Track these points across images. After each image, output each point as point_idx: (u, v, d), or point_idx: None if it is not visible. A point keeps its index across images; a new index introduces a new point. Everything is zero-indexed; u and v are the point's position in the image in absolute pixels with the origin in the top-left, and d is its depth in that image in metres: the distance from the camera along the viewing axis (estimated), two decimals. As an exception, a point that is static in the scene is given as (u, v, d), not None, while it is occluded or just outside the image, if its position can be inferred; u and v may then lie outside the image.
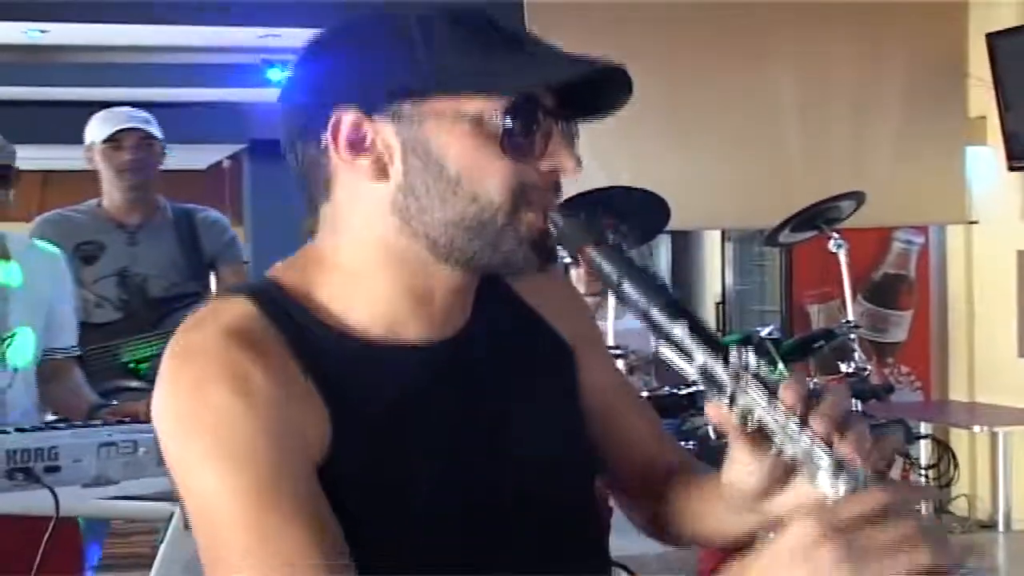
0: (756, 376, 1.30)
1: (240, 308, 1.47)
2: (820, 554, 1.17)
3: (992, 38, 7.39)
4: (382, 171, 1.46)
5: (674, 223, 6.79)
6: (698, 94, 7.65)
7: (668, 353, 1.36)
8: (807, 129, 7.51)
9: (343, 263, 1.53)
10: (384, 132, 1.45)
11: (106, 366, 4.07)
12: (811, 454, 1.27)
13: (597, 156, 7.21)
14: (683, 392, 5.50)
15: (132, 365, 4.36)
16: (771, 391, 1.29)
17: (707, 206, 6.95)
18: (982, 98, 7.61)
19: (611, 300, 5.62)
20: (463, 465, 1.52)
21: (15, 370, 3.47)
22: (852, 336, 5.67)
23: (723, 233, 8.54)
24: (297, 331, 1.49)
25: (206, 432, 1.41)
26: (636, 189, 5.51)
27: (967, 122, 7.72)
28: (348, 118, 1.44)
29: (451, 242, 1.46)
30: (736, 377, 1.30)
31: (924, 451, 7.71)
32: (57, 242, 4.15)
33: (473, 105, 1.42)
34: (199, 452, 1.42)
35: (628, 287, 1.38)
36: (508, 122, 1.42)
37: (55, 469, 2.80)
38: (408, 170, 1.45)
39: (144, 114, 4.82)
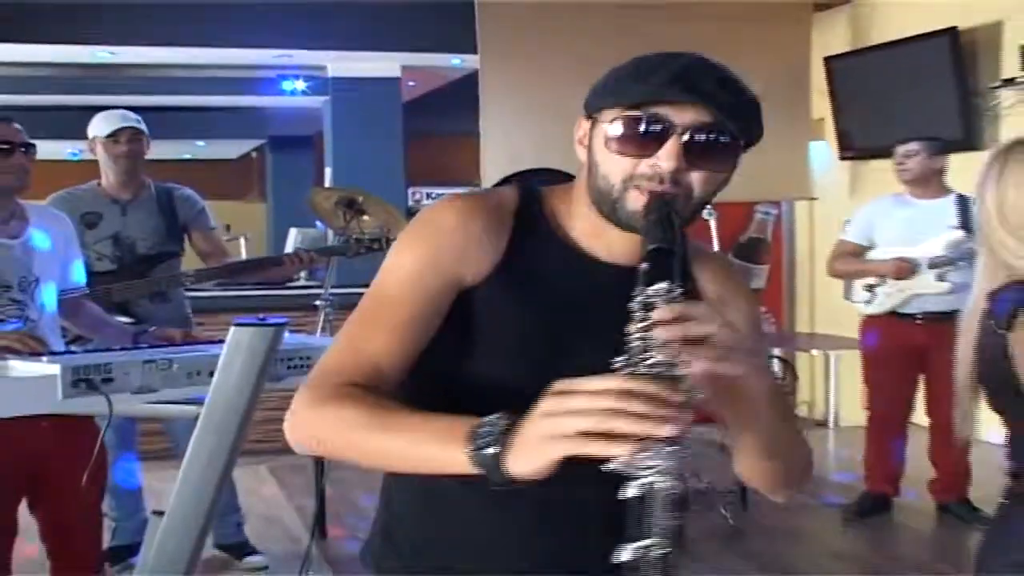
0: (649, 297, 1.27)
1: (510, 191, 1.60)
2: (541, 406, 1.21)
3: (828, 60, 7.46)
4: (585, 152, 1.52)
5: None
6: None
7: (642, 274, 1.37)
8: None
9: (576, 194, 1.56)
10: (587, 128, 1.51)
11: (103, 305, 4.09)
12: (633, 350, 1.26)
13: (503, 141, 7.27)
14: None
15: (122, 304, 4.39)
16: (646, 308, 1.27)
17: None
18: (821, 105, 7.56)
19: None
20: (553, 340, 1.53)
21: (43, 307, 3.44)
22: None
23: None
24: (528, 213, 1.57)
25: (415, 239, 1.54)
26: (546, 169, 5.25)
27: (810, 123, 7.60)
28: (581, 120, 1.52)
29: (597, 203, 1.50)
30: (639, 296, 1.29)
31: (776, 368, 7.77)
32: (67, 212, 4.15)
33: (608, 115, 1.44)
34: (401, 246, 1.56)
35: (650, 227, 1.38)
36: (613, 128, 1.43)
37: (109, 380, 2.78)
38: (589, 154, 1.50)
39: (134, 115, 4.74)
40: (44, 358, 2.98)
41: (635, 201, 1.43)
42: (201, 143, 12.21)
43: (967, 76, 6.54)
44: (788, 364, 7.85)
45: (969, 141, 6.50)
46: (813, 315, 8.19)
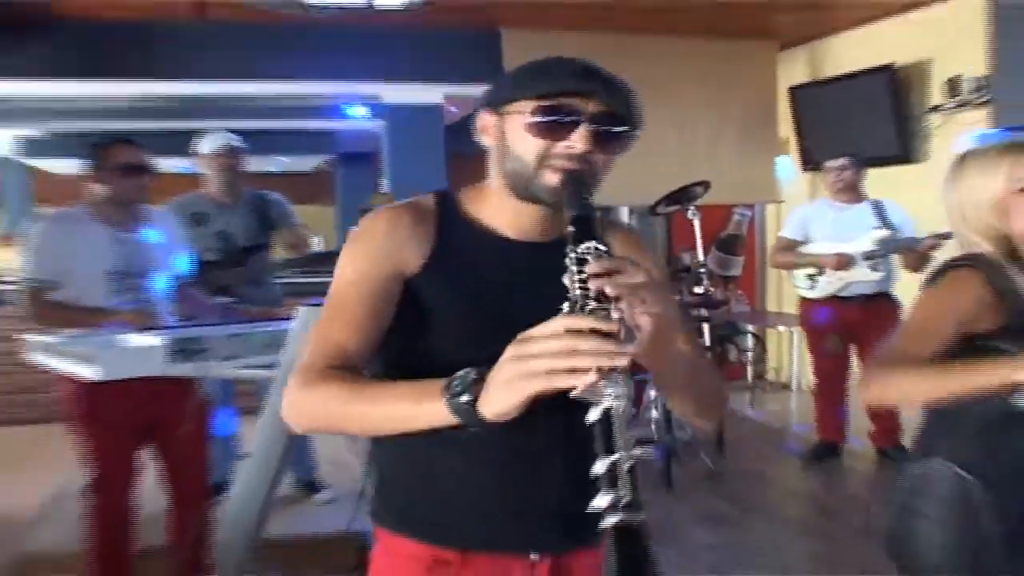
0: (581, 253, 1.28)
1: (428, 196, 1.60)
2: (507, 352, 1.20)
3: (791, 90, 7.39)
4: (493, 143, 1.52)
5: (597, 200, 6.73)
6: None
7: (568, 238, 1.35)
8: (680, 140, 7.30)
9: (487, 189, 1.56)
10: (492, 121, 1.51)
11: (210, 289, 4.18)
12: (575, 298, 1.24)
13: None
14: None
15: (225, 287, 4.46)
16: (581, 262, 1.27)
17: (616, 190, 6.46)
18: (786, 126, 7.53)
19: None
20: (496, 310, 1.48)
21: (155, 290, 3.51)
22: (701, 270, 5.58)
23: (630, 209, 8.36)
24: (447, 210, 1.56)
25: (359, 241, 1.53)
26: None
27: (778, 140, 7.64)
28: (483, 113, 1.53)
29: (511, 184, 1.49)
30: (571, 254, 1.29)
31: (749, 341, 7.76)
32: (180, 214, 4.31)
33: (523, 106, 1.43)
34: (348, 249, 1.54)
35: (567, 198, 1.39)
36: (531, 117, 1.42)
37: (203, 351, 2.84)
38: (499, 143, 1.50)
39: (234, 136, 4.84)
40: (153, 332, 3.04)
41: (550, 178, 1.43)
42: (284, 159, 12.18)
43: (903, 103, 6.51)
44: (759, 338, 7.87)
45: (905, 156, 6.54)
46: (780, 297, 8.14)
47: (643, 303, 1.25)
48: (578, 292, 1.24)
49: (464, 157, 8.57)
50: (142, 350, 2.88)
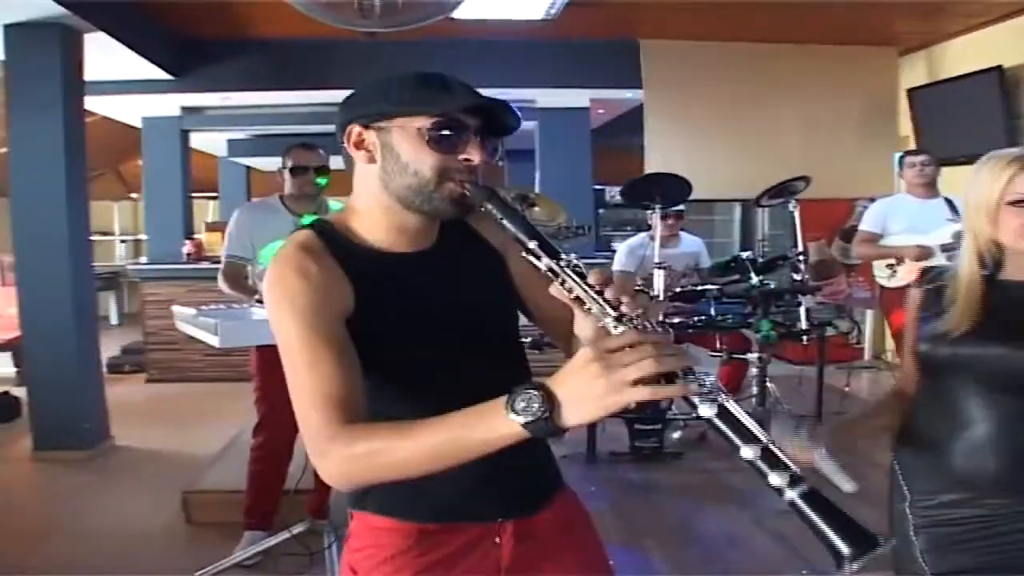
0: (572, 267, 1.34)
1: (306, 234, 1.54)
2: (588, 367, 1.20)
3: (910, 91, 7.86)
4: (371, 159, 1.54)
5: (706, 194, 7.41)
6: (730, 113, 8.07)
7: (528, 258, 1.38)
8: (805, 139, 7.88)
9: (361, 210, 1.58)
10: (371, 137, 1.53)
11: None
12: (603, 310, 1.30)
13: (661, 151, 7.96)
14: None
15: None
16: (581, 276, 1.33)
17: (746, 184, 6.77)
18: (906, 124, 8.00)
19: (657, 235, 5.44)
20: (430, 314, 1.54)
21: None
22: (800, 257, 5.49)
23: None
24: (337, 245, 1.54)
25: (284, 301, 1.45)
26: (670, 174, 5.59)
27: (897, 138, 8.10)
28: (354, 129, 1.54)
29: (406, 199, 1.52)
30: (562, 269, 1.34)
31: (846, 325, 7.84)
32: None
33: (415, 122, 1.48)
34: (281, 313, 1.46)
35: (507, 223, 1.42)
36: (430, 131, 1.47)
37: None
38: (383, 158, 1.52)
39: None
40: None
41: (450, 190, 1.48)
42: None
43: (1011, 102, 6.89)
44: (855, 321, 8.02)
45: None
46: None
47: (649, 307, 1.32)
48: (599, 303, 1.30)
49: (610, 152, 9.29)
50: (262, 322, 3.10)
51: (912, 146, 7.85)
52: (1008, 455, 1.86)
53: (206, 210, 14.57)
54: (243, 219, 4.13)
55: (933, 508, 1.95)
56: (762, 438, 1.20)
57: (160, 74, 7.51)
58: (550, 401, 1.21)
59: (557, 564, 1.67)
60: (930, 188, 5.55)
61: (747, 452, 1.20)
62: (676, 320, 5.22)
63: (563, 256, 1.35)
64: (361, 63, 7.63)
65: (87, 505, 4.95)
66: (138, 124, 9.00)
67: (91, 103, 7.99)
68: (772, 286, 5.20)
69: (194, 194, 9.47)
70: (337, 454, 1.36)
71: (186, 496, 4.62)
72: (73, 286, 5.84)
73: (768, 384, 5.60)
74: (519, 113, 1.54)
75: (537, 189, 9.00)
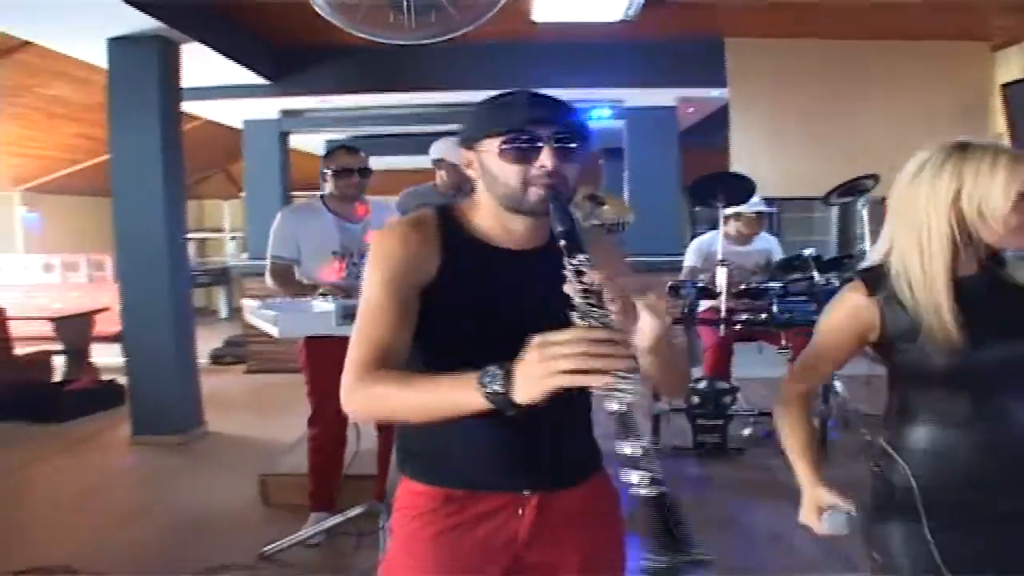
0: (576, 265, 1.48)
1: (426, 212, 1.77)
2: (532, 355, 1.38)
3: (1004, 86, 7.75)
4: (479, 175, 1.73)
5: (793, 192, 7.42)
6: (817, 111, 8.03)
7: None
8: (895, 135, 7.41)
9: (480, 205, 1.75)
10: (471, 156, 1.74)
11: None
12: (581, 307, 1.44)
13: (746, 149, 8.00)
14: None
15: None
16: (580, 274, 1.46)
17: (818, 182, 6.39)
18: (1000, 121, 7.88)
19: (720, 233, 5.62)
20: (494, 307, 1.67)
21: None
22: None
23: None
24: (449, 227, 1.74)
25: (377, 259, 1.70)
26: (734, 173, 5.81)
27: (993, 135, 7.82)
28: (465, 152, 1.74)
29: (502, 202, 1.69)
30: (570, 267, 1.48)
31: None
32: (411, 201, 4.75)
33: (495, 141, 1.65)
34: (371, 267, 1.71)
35: (555, 223, 1.57)
36: (503, 147, 1.63)
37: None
38: (484, 173, 1.71)
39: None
40: (329, 298, 3.62)
41: (535, 194, 1.63)
42: None
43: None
44: None
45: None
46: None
47: (653, 308, 1.48)
48: (581, 300, 1.44)
49: (700, 151, 9.37)
50: (320, 314, 3.38)
51: (1005, 143, 7.78)
52: (1008, 450, 1.86)
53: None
54: (287, 221, 4.33)
55: (957, 529, 1.88)
56: (645, 443, 1.37)
57: (259, 79, 7.93)
58: (508, 380, 1.39)
59: (573, 545, 1.79)
60: None
61: (625, 448, 1.37)
62: (743, 316, 5.34)
63: (580, 256, 1.48)
64: (451, 66, 7.91)
65: (175, 486, 5.35)
66: (240, 126, 9.47)
67: (196, 107, 8.51)
68: (837, 284, 5.25)
69: (295, 193, 9.89)
70: (358, 391, 1.61)
71: (263, 479, 4.95)
72: (170, 282, 6.25)
73: (835, 383, 5.67)
74: (582, 116, 1.68)
75: (626, 187, 9.20)
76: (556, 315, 1.51)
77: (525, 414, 1.44)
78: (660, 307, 1.51)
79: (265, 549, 4.09)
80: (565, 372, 1.34)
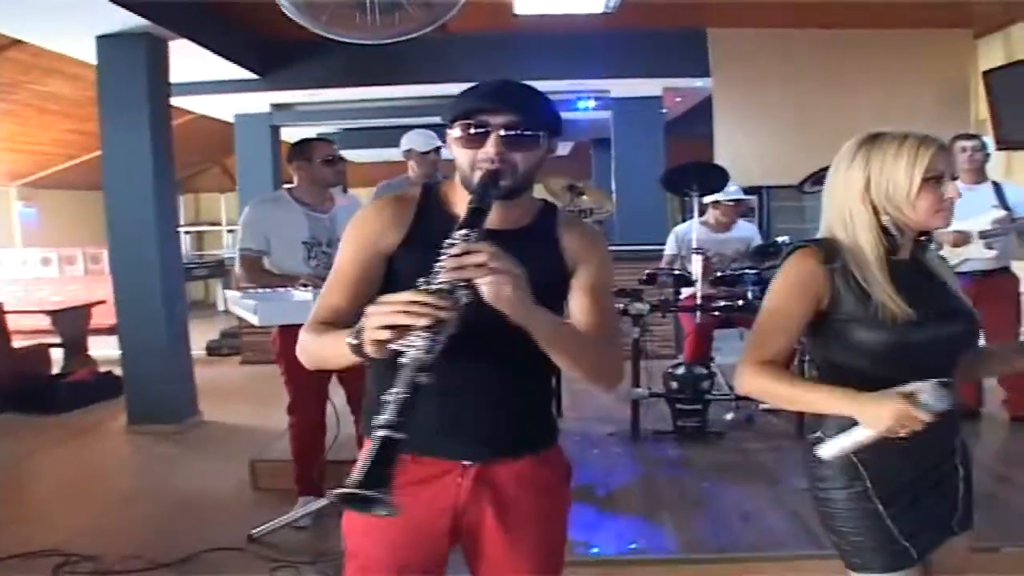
0: (453, 239, 1.59)
1: (414, 191, 1.92)
2: (368, 311, 1.57)
3: (986, 73, 7.80)
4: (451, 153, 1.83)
5: (776, 181, 7.49)
6: (800, 100, 8.17)
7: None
8: (877, 123, 7.84)
9: (455, 188, 1.86)
10: (448, 138, 1.82)
11: None
12: (433, 271, 1.56)
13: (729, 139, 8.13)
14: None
15: None
16: (451, 245, 1.58)
17: (801, 171, 6.27)
18: (983, 107, 7.95)
19: (696, 222, 5.70)
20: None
21: None
22: None
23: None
24: (428, 203, 1.88)
25: (352, 226, 1.90)
26: (709, 163, 5.97)
27: (976, 121, 8.09)
28: (447, 132, 1.82)
29: (464, 184, 1.78)
30: (451, 242, 1.59)
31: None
32: (385, 192, 4.72)
33: (455, 126, 1.76)
34: (346, 235, 1.89)
35: (474, 193, 1.69)
36: (457, 133, 1.75)
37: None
38: (453, 152, 1.80)
39: (433, 134, 5.03)
40: (310, 287, 3.78)
41: (479, 177, 1.72)
42: None
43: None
44: None
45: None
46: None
47: (484, 277, 1.55)
48: (439, 268, 1.56)
49: (686, 141, 9.49)
50: (299, 303, 3.50)
51: (990, 129, 7.85)
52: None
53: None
54: (255, 213, 4.43)
55: (892, 482, 2.01)
56: (402, 395, 1.49)
57: (248, 74, 8.06)
58: (361, 333, 1.58)
59: (506, 514, 1.89)
60: (978, 174, 5.51)
61: (387, 395, 1.51)
62: (720, 303, 5.47)
63: (465, 231, 1.59)
64: (438, 59, 8.03)
65: (169, 472, 5.50)
66: (232, 120, 9.60)
67: (187, 103, 8.65)
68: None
69: (287, 185, 10.01)
70: (303, 338, 1.84)
71: (253, 465, 5.09)
72: (162, 274, 6.39)
73: (806, 364, 5.78)
74: (547, 108, 1.79)
75: (613, 177, 9.32)
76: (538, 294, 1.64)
77: (465, 386, 1.64)
78: (493, 293, 1.57)
79: (254, 531, 4.23)
80: (379, 327, 1.52)
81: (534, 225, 1.87)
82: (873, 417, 1.84)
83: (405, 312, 1.50)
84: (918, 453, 1.99)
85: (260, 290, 3.99)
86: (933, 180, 1.93)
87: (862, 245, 1.97)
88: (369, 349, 1.56)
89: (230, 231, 15.73)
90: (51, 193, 12.17)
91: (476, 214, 1.63)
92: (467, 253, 1.55)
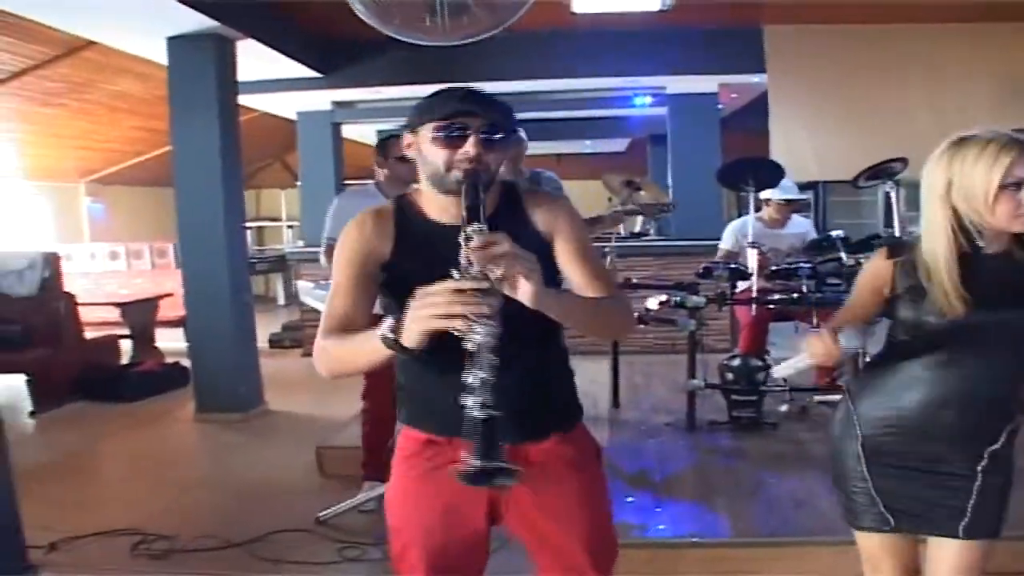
0: (468, 233, 1.69)
1: (388, 205, 2.05)
2: (412, 304, 1.67)
3: None
4: (415, 156, 1.96)
5: (831, 176, 7.49)
6: (856, 96, 8.16)
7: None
8: (932, 118, 7.73)
9: (422, 190, 2.00)
10: (414, 140, 1.95)
11: None
12: (463, 263, 1.66)
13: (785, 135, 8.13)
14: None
15: None
16: (468, 240, 1.67)
17: (857, 166, 6.08)
18: None
19: (751, 217, 5.70)
20: (447, 274, 1.72)
21: None
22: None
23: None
24: (403, 213, 2.01)
25: (342, 244, 2.00)
26: (764, 159, 6.01)
27: None
28: (406, 135, 1.97)
29: (433, 184, 1.92)
30: (465, 234, 1.69)
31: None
32: None
33: (429, 127, 1.88)
34: (337, 254, 2.00)
35: (465, 190, 1.80)
36: (434, 134, 1.86)
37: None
38: (420, 155, 1.93)
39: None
40: None
41: (457, 174, 1.84)
42: (589, 142, 13.27)
43: None
44: None
45: None
46: None
47: (509, 267, 1.66)
48: (465, 261, 1.66)
49: (742, 135, 9.54)
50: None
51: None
52: (967, 407, 2.12)
53: (360, 197, 15.47)
54: (344, 205, 4.59)
55: (885, 449, 2.23)
56: (484, 376, 1.62)
57: (311, 72, 8.26)
58: (398, 327, 1.68)
59: (544, 491, 2.00)
60: None
61: (470, 377, 1.63)
62: (776, 296, 5.54)
63: (475, 225, 1.69)
64: (497, 57, 8.08)
65: (237, 459, 5.71)
66: (294, 118, 9.82)
67: (251, 101, 8.86)
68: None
69: (348, 181, 10.22)
70: (318, 351, 1.92)
71: (319, 451, 5.29)
72: (230, 268, 6.61)
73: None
74: (509, 113, 1.92)
75: (670, 173, 9.39)
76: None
77: (495, 372, 1.66)
78: (521, 283, 1.68)
79: (321, 514, 4.41)
80: (433, 317, 1.61)
81: (502, 208, 1.98)
82: (808, 345, 2.18)
83: (459, 302, 1.61)
84: (921, 444, 2.19)
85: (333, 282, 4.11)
86: (1012, 186, 2.00)
87: (935, 244, 2.10)
88: (413, 339, 1.67)
89: (290, 227, 16.01)
90: (118, 189, 12.50)
91: (475, 210, 1.75)
92: (489, 244, 1.66)
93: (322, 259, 4.54)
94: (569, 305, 1.89)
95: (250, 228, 15.49)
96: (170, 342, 9.00)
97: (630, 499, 4.19)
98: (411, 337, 1.67)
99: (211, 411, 6.63)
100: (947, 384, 2.13)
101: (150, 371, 7.91)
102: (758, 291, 5.53)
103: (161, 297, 9.08)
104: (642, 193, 5.82)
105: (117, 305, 8.69)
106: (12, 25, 6.63)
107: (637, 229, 10.13)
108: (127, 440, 6.36)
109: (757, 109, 9.33)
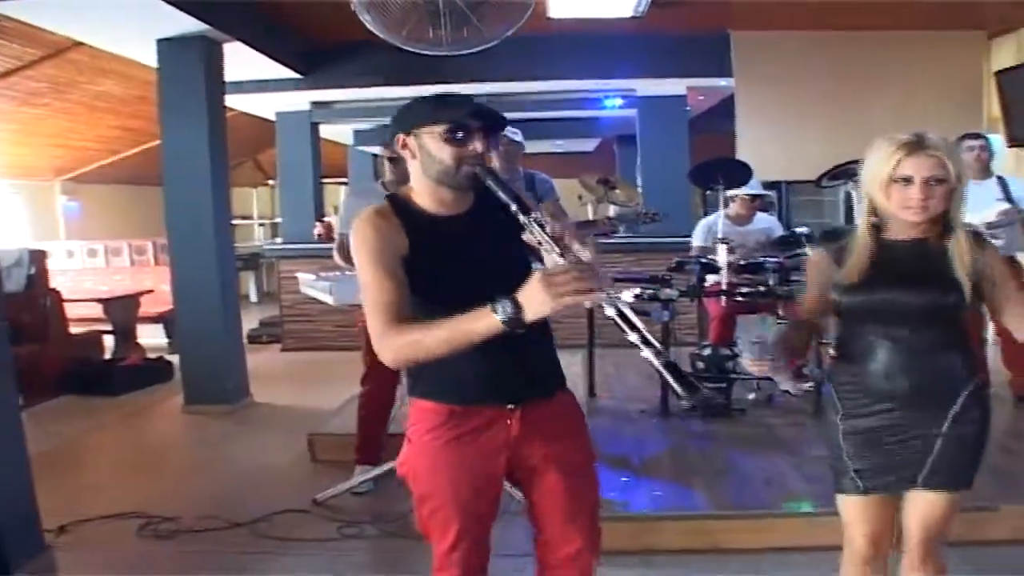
0: (537, 221, 1.92)
1: (384, 203, 2.16)
2: (537, 284, 1.78)
3: (998, 73, 8.10)
4: (413, 156, 2.11)
5: (795, 176, 7.75)
6: (819, 100, 8.45)
7: (514, 213, 1.96)
8: (895, 122, 8.00)
9: (416, 188, 2.15)
10: (411, 141, 2.10)
11: None
12: (551, 249, 1.88)
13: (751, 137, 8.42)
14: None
15: None
16: (542, 226, 1.90)
17: (819, 168, 6.28)
18: (995, 106, 8.24)
19: (721, 214, 6.03)
20: (458, 256, 2.07)
21: None
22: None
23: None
24: (401, 210, 2.13)
25: (361, 244, 2.07)
26: (733, 159, 6.31)
27: (981, 119, 8.34)
28: (400, 137, 2.11)
29: (439, 180, 2.08)
30: (531, 222, 1.92)
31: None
32: None
33: (436, 128, 2.04)
34: (359, 252, 2.08)
35: (500, 193, 2.00)
36: (446, 133, 2.03)
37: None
38: (421, 154, 2.09)
39: (514, 129, 5.20)
40: None
41: (466, 171, 2.04)
42: (560, 141, 13.36)
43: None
44: None
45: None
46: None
47: (582, 245, 1.91)
48: (550, 245, 1.88)
49: (709, 137, 9.83)
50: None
51: (1001, 127, 8.14)
52: (914, 375, 2.36)
53: (336, 194, 15.57)
54: (352, 201, 4.86)
55: (858, 418, 2.45)
56: (642, 330, 1.81)
57: (291, 73, 8.47)
58: (517, 306, 1.79)
59: (550, 443, 2.21)
60: (984, 170, 5.79)
61: (631, 336, 1.81)
62: (743, 290, 5.81)
63: (534, 214, 1.91)
64: (474, 60, 8.17)
65: (228, 448, 5.93)
66: (272, 118, 10.01)
67: (230, 100, 8.95)
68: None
69: (324, 180, 10.42)
70: (390, 344, 1.98)
71: (311, 438, 5.52)
72: (218, 264, 6.81)
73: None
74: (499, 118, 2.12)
75: (639, 173, 9.66)
76: (505, 258, 2.02)
77: (503, 343, 1.85)
78: (590, 242, 1.92)
79: (318, 496, 4.64)
80: (570, 294, 1.75)
81: (478, 199, 2.15)
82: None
83: (586, 276, 1.77)
84: (886, 411, 2.42)
85: (332, 273, 4.35)
86: (902, 180, 2.29)
87: (858, 227, 2.43)
88: (540, 314, 1.79)
89: (261, 225, 16.14)
90: (93, 188, 12.58)
91: (521, 201, 1.98)
92: (556, 232, 1.89)
93: (335, 254, 4.74)
94: None
95: (223, 226, 15.59)
96: (150, 338, 9.18)
97: (624, 479, 4.45)
98: (541, 312, 1.79)
99: (199, 403, 6.83)
100: (893, 355, 2.38)
101: (134, 365, 8.08)
102: (727, 285, 5.80)
103: (142, 293, 9.24)
104: (616, 191, 6.08)
105: (100, 301, 8.84)
106: (1, 27, 6.77)
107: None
108: (120, 431, 6.56)
109: (723, 111, 9.60)
